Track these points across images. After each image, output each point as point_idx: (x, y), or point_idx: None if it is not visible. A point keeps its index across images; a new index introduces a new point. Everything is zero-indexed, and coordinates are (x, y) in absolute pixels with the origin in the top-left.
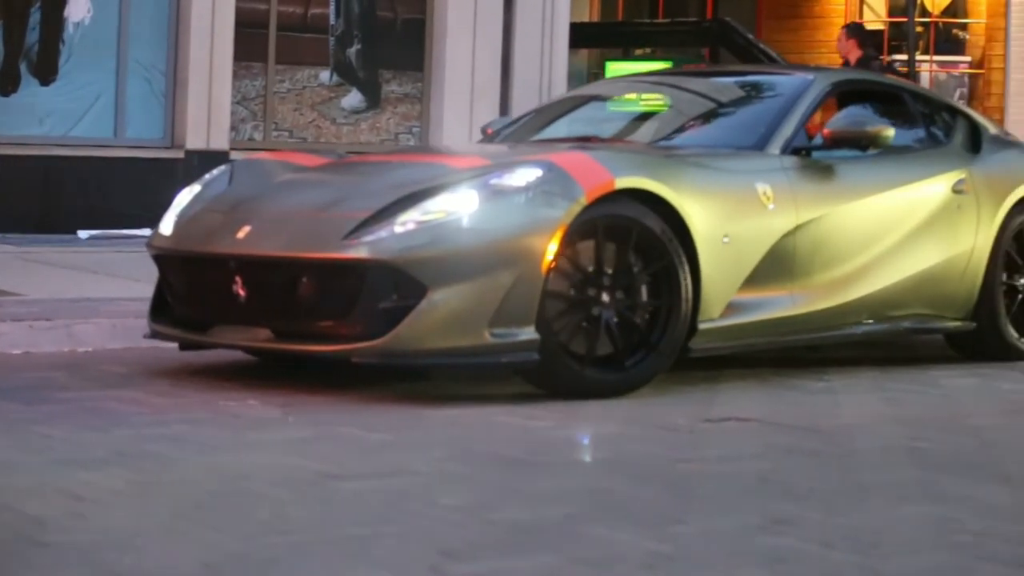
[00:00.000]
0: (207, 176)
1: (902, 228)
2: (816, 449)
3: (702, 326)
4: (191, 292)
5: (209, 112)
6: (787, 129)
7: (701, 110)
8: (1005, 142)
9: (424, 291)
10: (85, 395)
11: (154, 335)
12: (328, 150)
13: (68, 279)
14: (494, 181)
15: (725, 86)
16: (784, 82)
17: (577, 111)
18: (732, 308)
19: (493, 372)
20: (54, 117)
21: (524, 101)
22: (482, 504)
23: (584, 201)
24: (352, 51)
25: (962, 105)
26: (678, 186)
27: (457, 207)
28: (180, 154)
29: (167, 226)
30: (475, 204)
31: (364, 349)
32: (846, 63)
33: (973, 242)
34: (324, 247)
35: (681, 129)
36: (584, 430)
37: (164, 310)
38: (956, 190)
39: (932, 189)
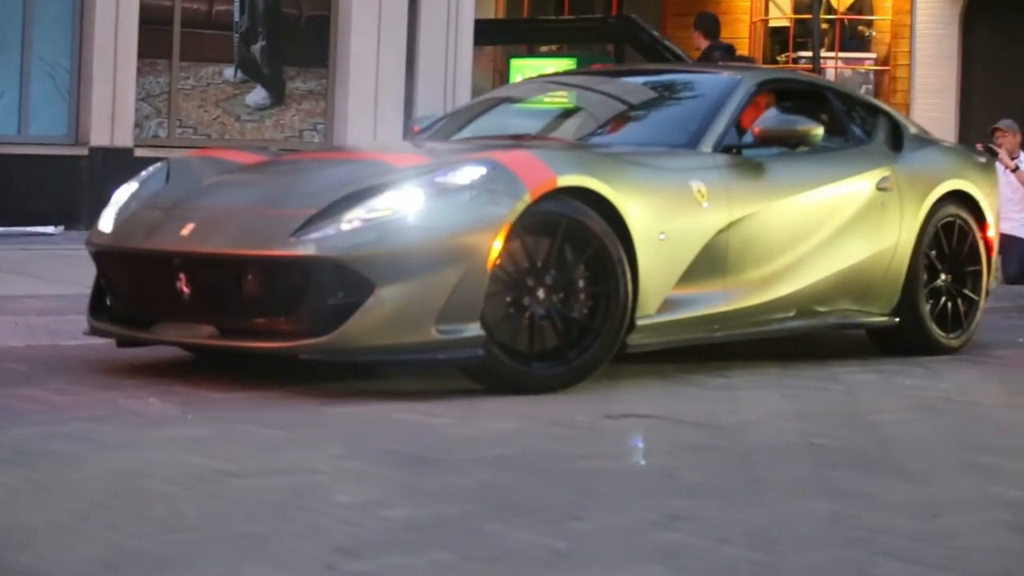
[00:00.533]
0: (143, 174)
1: (829, 225)
2: (715, 445)
3: (640, 322)
4: (132, 289)
5: (113, 109)
6: (718, 127)
7: (630, 109)
8: (925, 140)
9: (371, 288)
10: None
11: (93, 332)
12: (261, 147)
13: None
14: (439, 179)
15: (650, 85)
16: (711, 81)
17: (503, 109)
18: (668, 304)
19: (439, 369)
20: None
21: (429, 98)
22: (379, 501)
23: (528, 199)
24: (256, 48)
25: (883, 104)
26: (617, 184)
27: (403, 205)
28: (84, 151)
29: (106, 223)
30: (421, 202)
31: (311, 346)
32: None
33: (897, 239)
34: (271, 244)
35: (612, 128)
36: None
37: (103, 307)
38: (880, 188)
39: (858, 187)
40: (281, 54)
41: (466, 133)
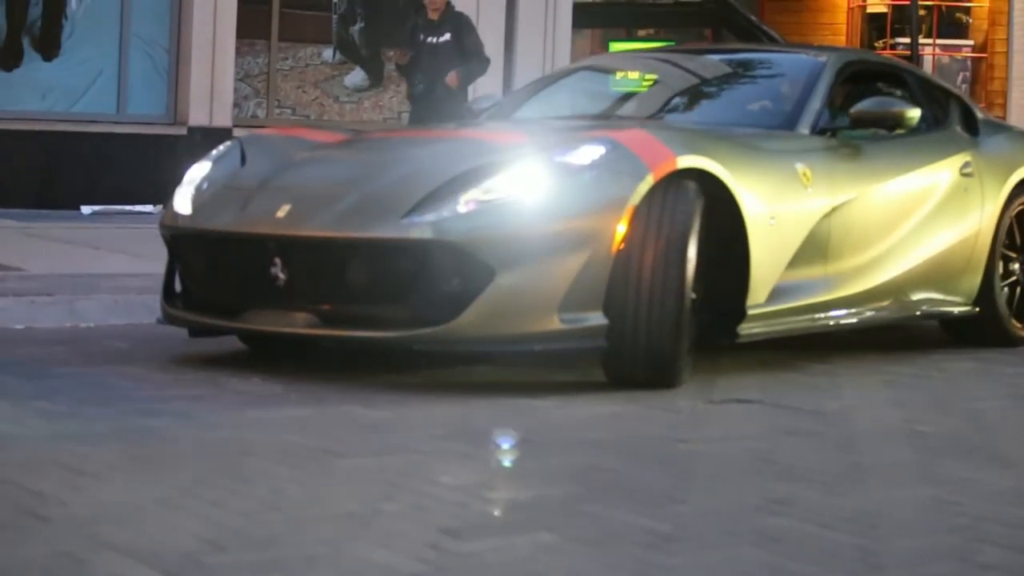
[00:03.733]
0: (215, 153)
1: (920, 211)
2: (816, 431)
3: (751, 311)
4: (217, 275)
5: (212, 89)
6: (814, 108)
7: (718, 88)
8: (997, 125)
9: (491, 274)
10: (86, 370)
11: (169, 320)
12: (334, 125)
13: (70, 254)
14: (559, 159)
15: (731, 64)
16: (795, 61)
17: (578, 85)
18: (775, 292)
19: (561, 359)
20: (56, 92)
21: (527, 81)
22: (482, 483)
23: (651, 180)
24: (355, 29)
25: (953, 87)
26: (732, 166)
27: (522, 185)
28: (183, 131)
29: (183, 205)
30: (541, 182)
31: (427, 335)
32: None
33: (979, 226)
34: (380, 227)
35: (703, 107)
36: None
37: (176, 293)
38: (963, 173)
39: (944, 172)
40: (379, 35)
41: (538, 113)
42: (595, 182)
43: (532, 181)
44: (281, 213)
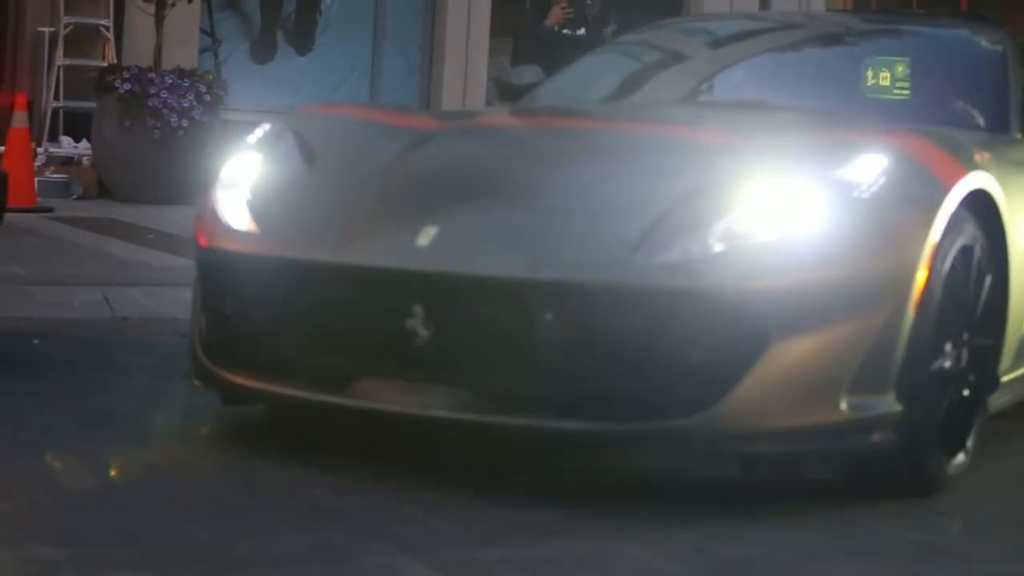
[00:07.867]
0: (256, 141)
1: None
2: None
3: (1003, 376)
4: (306, 325)
5: (465, 86)
6: (1018, 104)
7: (886, 73)
8: None
9: (766, 339)
10: None
11: (205, 381)
12: (403, 107)
13: None
14: (835, 175)
15: (873, 34)
16: (956, 38)
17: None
18: (1015, 350)
19: (842, 463)
20: (310, 87)
21: None
22: (745, 487)
23: (951, 207)
24: (608, 31)
25: None
26: (1004, 185)
27: (793, 213)
28: None
29: (238, 217)
30: (818, 209)
31: (673, 429)
32: None
33: None
34: (601, 268)
35: (877, 98)
36: None
37: (208, 342)
38: None
39: None
40: (632, 31)
41: (622, 88)
42: (884, 210)
43: (805, 207)
44: (424, 239)
